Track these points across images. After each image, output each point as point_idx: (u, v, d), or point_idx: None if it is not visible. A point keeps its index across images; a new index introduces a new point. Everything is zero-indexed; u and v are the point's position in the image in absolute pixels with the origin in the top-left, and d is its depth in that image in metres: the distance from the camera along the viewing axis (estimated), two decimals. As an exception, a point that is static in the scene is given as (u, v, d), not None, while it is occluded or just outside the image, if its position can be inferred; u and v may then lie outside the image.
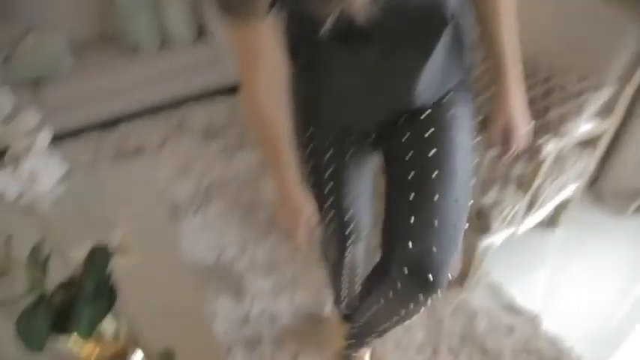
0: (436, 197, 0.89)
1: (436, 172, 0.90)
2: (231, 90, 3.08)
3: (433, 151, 0.92)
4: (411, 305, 0.96)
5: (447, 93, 1.00)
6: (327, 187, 1.05)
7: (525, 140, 1.03)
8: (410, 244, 0.89)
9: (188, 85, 2.94)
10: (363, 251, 1.25)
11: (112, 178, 1.51)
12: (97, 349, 0.93)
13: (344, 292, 1.39)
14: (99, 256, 0.97)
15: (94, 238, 1.20)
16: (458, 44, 0.92)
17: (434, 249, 0.88)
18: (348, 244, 1.14)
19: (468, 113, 1.02)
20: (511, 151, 1.04)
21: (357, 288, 1.36)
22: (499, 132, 1.03)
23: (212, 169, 2.48)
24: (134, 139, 2.75)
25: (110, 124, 2.87)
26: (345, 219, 1.07)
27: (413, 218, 0.90)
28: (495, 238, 1.64)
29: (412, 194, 0.91)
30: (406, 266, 0.91)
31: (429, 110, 0.97)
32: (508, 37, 0.93)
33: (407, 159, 0.95)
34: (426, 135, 0.94)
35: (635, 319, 1.72)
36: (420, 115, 0.97)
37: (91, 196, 1.49)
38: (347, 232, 1.09)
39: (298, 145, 1.08)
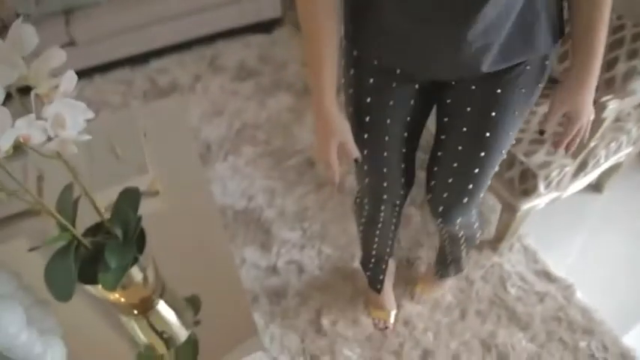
0: (476, 170, 1.02)
1: (483, 153, 0.99)
2: (266, 26, 2.96)
3: (487, 134, 0.96)
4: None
5: (518, 66, 0.91)
6: (364, 135, 1.02)
7: (583, 133, 0.98)
8: (445, 195, 1.10)
9: (221, 19, 2.83)
10: (397, 214, 1.28)
11: (143, 117, 1.46)
12: (125, 294, 0.92)
13: (373, 254, 1.40)
14: (128, 200, 0.94)
15: (123, 181, 1.19)
16: (536, 9, 0.83)
17: (464, 200, 1.09)
18: (382, 202, 1.19)
19: (532, 97, 0.96)
20: (565, 142, 0.98)
21: (388, 253, 1.41)
22: (556, 119, 0.96)
23: (244, 111, 2.42)
24: (165, 76, 2.69)
25: (141, 59, 2.81)
26: (381, 173, 1.10)
27: (451, 180, 1.06)
28: (537, 202, 1.57)
29: (456, 163, 1.03)
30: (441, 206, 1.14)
31: (494, 88, 0.93)
32: (602, 29, 0.84)
33: (461, 131, 0.99)
34: (486, 115, 0.96)
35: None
36: (485, 91, 0.94)
37: (121, 136, 1.45)
38: (382, 187, 1.14)
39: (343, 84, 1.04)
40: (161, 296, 1.01)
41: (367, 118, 0.99)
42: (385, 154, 1.05)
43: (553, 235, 1.82)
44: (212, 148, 2.22)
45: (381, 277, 1.52)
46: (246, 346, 1.08)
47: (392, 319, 1.56)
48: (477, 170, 1.02)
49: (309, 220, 1.88)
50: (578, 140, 0.98)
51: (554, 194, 1.57)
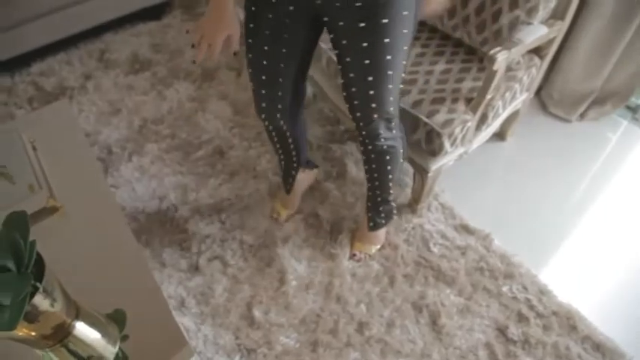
0: (370, 78, 1.15)
1: (367, 61, 1.12)
2: (155, 12, 2.77)
3: (364, 44, 1.10)
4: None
5: None
6: (249, 40, 1.21)
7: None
8: (356, 103, 1.23)
9: (105, 9, 2.59)
10: (290, 125, 1.43)
11: (29, 127, 1.31)
12: (34, 327, 0.82)
13: (281, 158, 1.60)
14: (15, 226, 0.83)
15: (15, 204, 1.07)
16: None
17: (372, 105, 1.22)
18: (263, 110, 1.35)
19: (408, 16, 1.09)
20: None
21: (294, 161, 1.61)
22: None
23: (143, 106, 2.28)
24: (51, 78, 2.46)
25: (20, 62, 2.54)
26: (261, 80, 1.28)
27: (354, 89, 1.20)
28: (446, 160, 1.59)
29: (352, 74, 1.17)
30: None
31: (366, 18, 1.06)
32: None
33: (342, 44, 1.13)
34: (363, 45, 1.09)
35: (573, 224, 1.75)
36: (359, 22, 1.07)
37: (6, 152, 1.29)
38: (262, 95, 1.30)
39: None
40: (76, 318, 0.92)
41: (251, 25, 1.17)
42: (265, 62, 1.22)
43: (466, 189, 1.87)
44: (114, 150, 2.07)
45: (290, 180, 1.69)
46: (177, 357, 1.01)
47: (284, 217, 1.75)
48: (370, 78, 1.15)
49: (226, 211, 1.82)
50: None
51: (460, 150, 1.59)
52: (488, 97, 1.46)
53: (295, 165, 1.64)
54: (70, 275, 0.90)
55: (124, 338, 0.97)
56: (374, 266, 1.62)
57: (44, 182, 1.19)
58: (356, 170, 1.92)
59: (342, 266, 1.63)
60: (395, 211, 1.63)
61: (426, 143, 1.49)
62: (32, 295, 0.75)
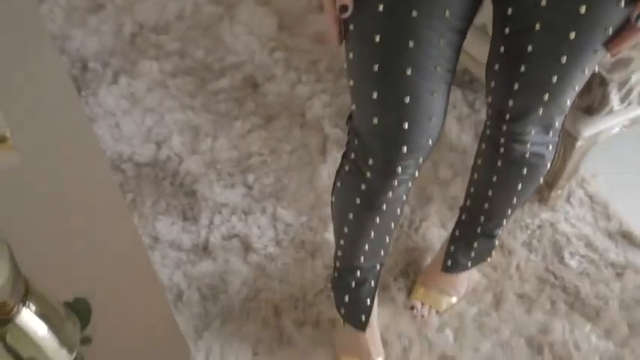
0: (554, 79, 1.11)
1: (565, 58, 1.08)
2: None
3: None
4: None
5: None
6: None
7: None
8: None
9: None
10: (408, 189, 1.28)
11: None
12: None
13: (360, 262, 1.40)
14: None
15: None
16: None
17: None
18: (398, 162, 1.15)
19: None
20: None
21: (381, 258, 1.42)
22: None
23: (139, 4, 2.37)
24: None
25: None
26: (402, 104, 1.08)
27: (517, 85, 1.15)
28: (609, 125, 1.62)
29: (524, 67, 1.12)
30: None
31: None
32: None
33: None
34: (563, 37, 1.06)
35: None
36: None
37: None
38: (403, 131, 1.10)
39: None
40: (23, 302, 1.00)
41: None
42: (409, 72, 1.05)
43: (634, 178, 1.88)
44: (90, 66, 2.18)
45: (369, 304, 1.47)
46: None
47: (445, 307, 1.63)
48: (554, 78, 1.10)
49: (255, 170, 1.89)
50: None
51: (636, 111, 1.61)
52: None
53: (379, 268, 1.46)
54: (21, 238, 0.97)
55: (86, 341, 1.03)
56: (473, 275, 1.68)
57: None
58: (457, 131, 1.96)
59: (412, 299, 1.67)
60: (493, 252, 1.61)
61: (580, 94, 1.51)
62: None
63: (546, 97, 1.14)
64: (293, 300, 1.64)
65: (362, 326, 1.49)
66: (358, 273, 1.42)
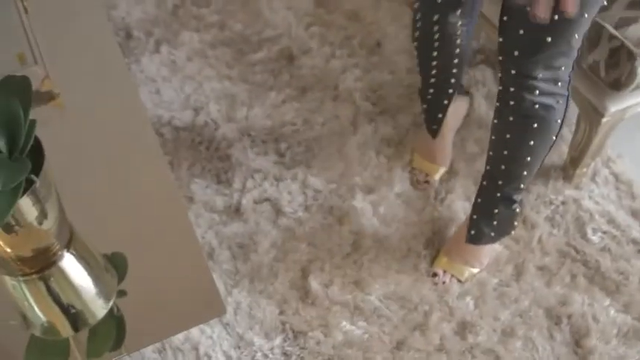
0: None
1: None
2: None
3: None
4: None
5: None
6: None
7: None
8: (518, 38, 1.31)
9: None
10: (462, 31, 1.55)
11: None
12: (11, 241, 0.91)
13: (432, 81, 1.68)
14: (13, 94, 0.94)
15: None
16: None
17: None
18: (436, 6, 1.47)
19: None
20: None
21: (452, 85, 1.68)
22: None
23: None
24: None
25: None
26: None
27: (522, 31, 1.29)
28: (632, 104, 1.61)
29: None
30: None
31: None
32: None
33: None
34: None
35: None
36: None
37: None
38: None
39: None
40: (67, 248, 1.02)
41: None
42: None
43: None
44: (134, 34, 2.21)
45: (440, 116, 1.75)
46: (200, 312, 1.10)
47: (437, 177, 1.83)
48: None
49: (287, 138, 1.92)
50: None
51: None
52: None
53: (450, 91, 1.70)
54: (66, 188, 0.98)
55: (122, 294, 1.05)
56: (494, 246, 1.69)
57: (39, 56, 1.29)
58: (486, 107, 1.96)
59: (446, 241, 1.71)
60: (516, 222, 1.65)
61: (607, 68, 1.50)
62: (24, 190, 0.85)
63: (549, 39, 1.24)
64: (320, 262, 1.67)
65: (433, 133, 1.79)
66: (431, 89, 1.70)
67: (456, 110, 1.86)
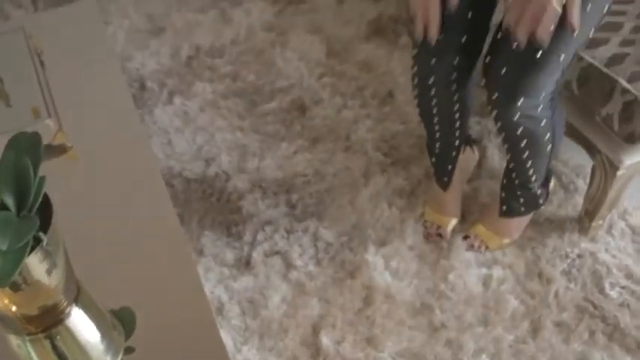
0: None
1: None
2: None
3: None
4: None
5: None
6: None
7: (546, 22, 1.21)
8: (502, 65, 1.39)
9: None
10: (460, 78, 1.52)
11: (36, 32, 1.44)
12: (18, 299, 0.91)
13: (436, 135, 1.68)
14: (23, 151, 0.92)
15: (10, 132, 1.16)
16: None
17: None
18: (431, 54, 1.46)
19: None
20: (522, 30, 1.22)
21: (457, 136, 1.68)
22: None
23: (197, 27, 2.42)
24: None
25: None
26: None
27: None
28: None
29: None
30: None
31: None
32: None
33: None
34: None
35: None
36: None
37: (3, 64, 1.43)
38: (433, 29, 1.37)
39: None
40: (75, 304, 1.00)
41: None
42: None
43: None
44: (148, 85, 2.22)
45: (449, 168, 1.75)
46: None
47: (449, 229, 1.80)
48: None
49: (299, 191, 1.90)
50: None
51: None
52: None
53: (457, 143, 1.70)
54: (74, 243, 0.97)
55: (129, 350, 1.02)
56: (510, 301, 1.63)
57: (53, 109, 1.27)
58: (499, 158, 1.94)
59: (460, 294, 1.67)
60: (541, 200, 1.71)
61: (620, 122, 1.48)
62: (31, 248, 0.83)
63: (538, 55, 1.31)
64: (331, 318, 1.63)
65: (443, 186, 1.79)
66: (437, 143, 1.70)
67: (465, 161, 1.84)
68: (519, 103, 1.38)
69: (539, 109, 1.41)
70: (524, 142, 1.48)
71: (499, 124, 1.47)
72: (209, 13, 2.47)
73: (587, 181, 1.75)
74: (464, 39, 1.45)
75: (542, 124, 1.45)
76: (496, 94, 1.40)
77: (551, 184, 1.77)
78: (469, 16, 1.42)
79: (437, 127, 1.65)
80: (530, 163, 1.55)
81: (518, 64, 1.35)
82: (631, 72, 1.48)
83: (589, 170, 1.72)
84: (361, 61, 2.29)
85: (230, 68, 2.27)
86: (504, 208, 1.72)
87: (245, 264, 1.74)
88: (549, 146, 1.52)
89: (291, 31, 2.39)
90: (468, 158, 1.86)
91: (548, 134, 1.48)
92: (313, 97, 2.16)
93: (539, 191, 1.68)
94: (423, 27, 1.37)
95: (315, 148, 2.01)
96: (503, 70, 1.36)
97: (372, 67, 2.27)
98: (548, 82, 1.37)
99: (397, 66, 2.24)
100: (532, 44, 1.23)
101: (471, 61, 1.54)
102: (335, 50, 2.32)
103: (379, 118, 2.09)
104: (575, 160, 1.91)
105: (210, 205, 1.88)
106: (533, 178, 1.61)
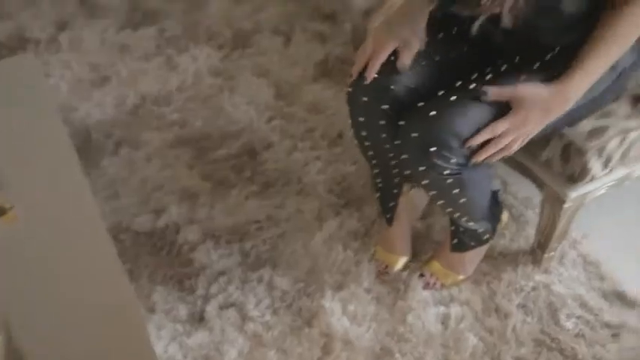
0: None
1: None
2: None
3: None
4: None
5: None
6: None
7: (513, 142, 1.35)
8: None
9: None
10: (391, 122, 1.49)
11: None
12: None
13: (376, 171, 1.70)
14: None
15: None
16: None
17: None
18: (362, 93, 1.49)
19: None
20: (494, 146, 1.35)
21: (394, 174, 1.68)
22: (501, 95, 1.32)
23: (143, 76, 2.40)
24: (7, 24, 2.62)
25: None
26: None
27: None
28: (594, 187, 1.59)
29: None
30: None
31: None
32: (602, 47, 1.28)
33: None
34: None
35: None
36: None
37: None
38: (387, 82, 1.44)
39: None
40: None
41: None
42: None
43: (625, 236, 1.84)
44: (93, 136, 2.19)
45: (391, 205, 1.76)
46: None
47: (397, 267, 1.79)
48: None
49: (252, 238, 1.87)
50: (499, 148, 1.33)
51: (620, 172, 1.59)
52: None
53: (397, 180, 1.71)
54: (17, 312, 0.94)
55: None
56: (469, 339, 1.62)
57: None
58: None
59: (419, 335, 1.65)
60: (486, 236, 1.70)
61: (562, 163, 1.50)
62: None
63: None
64: (289, 372, 1.59)
65: (388, 221, 1.79)
66: (378, 179, 1.72)
67: (415, 199, 1.82)
68: (434, 149, 1.35)
69: (453, 161, 1.37)
70: (438, 201, 1.51)
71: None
72: (154, 60, 2.46)
73: (537, 212, 1.76)
74: (404, 87, 1.45)
75: (460, 174, 1.41)
76: (414, 135, 1.39)
77: (504, 216, 1.79)
78: (433, 72, 1.47)
79: (374, 162, 1.67)
80: (453, 209, 1.55)
81: (455, 112, 1.37)
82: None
83: (538, 202, 1.73)
84: (310, 102, 2.29)
85: (177, 116, 2.25)
86: (455, 241, 1.72)
87: (199, 319, 1.69)
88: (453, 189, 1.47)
89: (239, 75, 2.38)
90: (418, 196, 1.83)
91: (473, 177, 1.44)
92: (263, 140, 2.15)
93: (480, 229, 1.66)
94: (364, 64, 1.42)
95: (267, 193, 1.99)
96: (433, 113, 1.36)
97: (320, 108, 2.26)
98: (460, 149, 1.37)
99: (345, 106, 2.21)
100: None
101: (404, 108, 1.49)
102: (283, 92, 2.31)
103: (330, 159, 2.09)
104: (524, 192, 1.93)
105: (160, 259, 1.83)
106: (467, 218, 1.59)
